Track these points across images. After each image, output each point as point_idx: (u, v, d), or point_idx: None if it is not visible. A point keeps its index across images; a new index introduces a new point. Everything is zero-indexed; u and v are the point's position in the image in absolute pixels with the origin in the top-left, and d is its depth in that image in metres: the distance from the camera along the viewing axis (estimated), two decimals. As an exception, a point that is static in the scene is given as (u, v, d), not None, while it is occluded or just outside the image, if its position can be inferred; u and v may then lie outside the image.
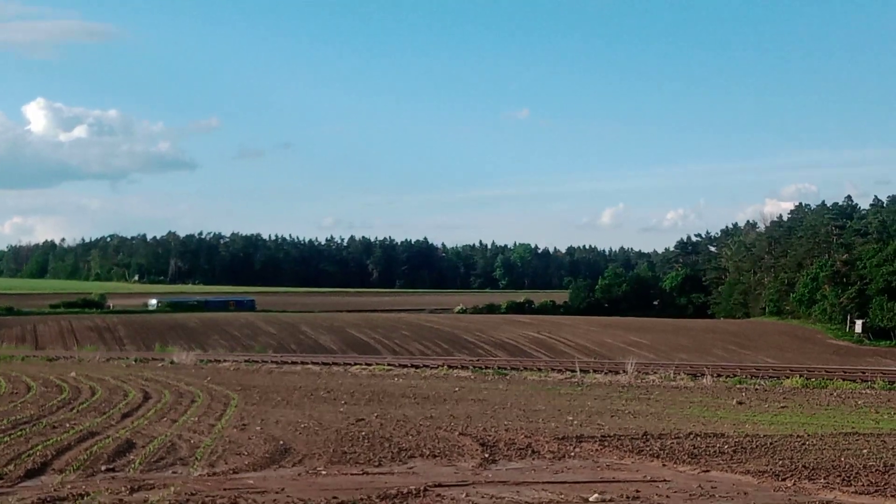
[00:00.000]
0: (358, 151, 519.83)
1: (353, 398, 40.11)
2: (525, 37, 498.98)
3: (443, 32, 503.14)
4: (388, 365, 71.10)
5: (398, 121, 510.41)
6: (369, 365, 71.13)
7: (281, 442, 24.75)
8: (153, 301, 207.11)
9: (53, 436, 25.45)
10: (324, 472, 20.17)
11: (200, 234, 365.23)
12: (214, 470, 20.43)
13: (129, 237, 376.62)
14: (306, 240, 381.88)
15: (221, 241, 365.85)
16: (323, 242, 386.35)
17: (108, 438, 25.11)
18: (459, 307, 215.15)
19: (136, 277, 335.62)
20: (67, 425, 28.32)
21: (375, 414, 32.63)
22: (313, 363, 76.62)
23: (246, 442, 24.93)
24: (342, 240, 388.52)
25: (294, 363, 77.87)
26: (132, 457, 22.14)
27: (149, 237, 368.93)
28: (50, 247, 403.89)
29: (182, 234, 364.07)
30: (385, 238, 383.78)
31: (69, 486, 17.55)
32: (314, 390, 44.83)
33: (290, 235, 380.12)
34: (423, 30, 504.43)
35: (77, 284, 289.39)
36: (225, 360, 78.89)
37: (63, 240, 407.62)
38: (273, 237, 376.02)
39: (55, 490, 17.08)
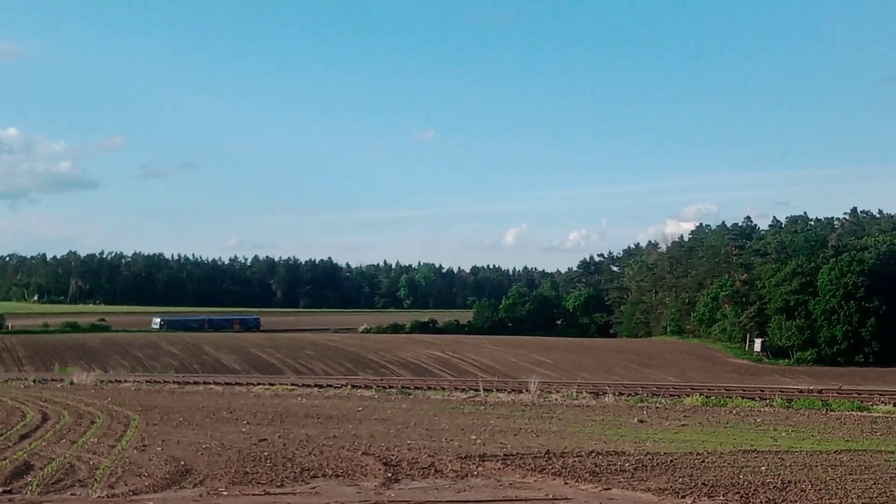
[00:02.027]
0: (263, 171, 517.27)
1: (255, 418, 39.83)
2: (431, 57, 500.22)
3: (350, 52, 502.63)
4: (292, 385, 70.77)
5: (304, 140, 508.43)
6: (272, 385, 70.75)
7: (182, 463, 24.51)
8: (157, 320, 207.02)
9: (-52, 458, 25.00)
10: (225, 493, 20.02)
11: (102, 253, 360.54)
12: (114, 491, 20.18)
13: (28, 256, 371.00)
14: (209, 259, 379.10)
15: (123, 261, 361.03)
16: (226, 262, 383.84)
17: (4, 460, 24.68)
18: (364, 327, 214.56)
19: (36, 297, 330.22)
20: (-37, 448, 27.82)
21: (278, 434, 32.44)
22: (216, 383, 76.04)
23: (146, 463, 24.65)
24: (246, 259, 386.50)
25: (196, 383, 77.15)
26: (30, 479, 21.80)
27: (49, 257, 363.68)
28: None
29: (83, 253, 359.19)
30: (289, 258, 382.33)
31: (-36, 510, 17.26)
32: (216, 410, 44.46)
33: (194, 255, 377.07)
34: (330, 49, 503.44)
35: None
36: (126, 381, 77.93)
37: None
38: (176, 257, 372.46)
39: (-51, 513, 16.79)
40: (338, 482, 21.76)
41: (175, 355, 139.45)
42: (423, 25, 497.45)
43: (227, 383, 76.08)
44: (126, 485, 21.17)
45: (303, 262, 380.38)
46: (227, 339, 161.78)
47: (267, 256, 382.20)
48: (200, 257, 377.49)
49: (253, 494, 19.90)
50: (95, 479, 21.74)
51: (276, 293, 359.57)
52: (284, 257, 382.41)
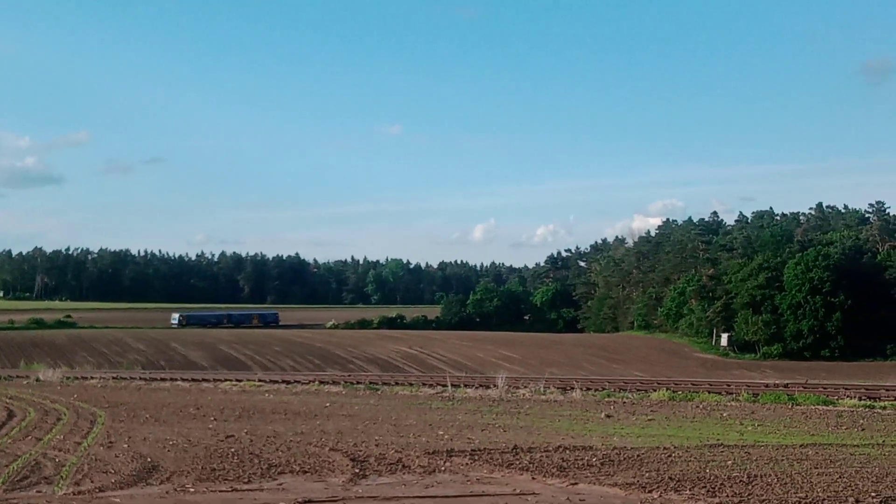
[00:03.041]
0: (229, 167, 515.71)
1: (222, 415, 39.69)
2: (398, 52, 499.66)
3: (316, 47, 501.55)
4: (259, 381, 70.51)
5: (270, 136, 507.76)
6: (240, 381, 70.47)
7: (149, 459, 24.41)
8: (175, 316, 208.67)
9: (-88, 456, 24.82)
10: (192, 490, 19.96)
11: (68, 249, 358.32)
12: (80, 489, 20.08)
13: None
14: (176, 255, 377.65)
15: (89, 257, 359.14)
16: (193, 258, 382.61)
17: (-31, 458, 24.56)
18: (331, 322, 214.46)
19: (1, 294, 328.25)
20: (-73, 445, 27.65)
21: (245, 430, 32.34)
22: (183, 379, 75.65)
23: (113, 460, 24.52)
24: (213, 255, 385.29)
25: (163, 380, 76.74)
26: (-6, 476, 21.69)
27: (14, 253, 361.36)
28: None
29: (49, 249, 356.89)
30: (256, 253, 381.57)
31: (-72, 508, 17.15)
32: (183, 407, 44.28)
33: (160, 251, 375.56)
34: (296, 42, 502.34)
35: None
36: (92, 377, 77.36)
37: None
38: (142, 253, 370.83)
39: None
40: (305, 478, 21.72)
41: (142, 352, 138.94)
42: (389, 20, 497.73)
43: (194, 380, 75.71)
44: (92, 482, 21.07)
45: (270, 258, 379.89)
46: (194, 335, 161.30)
47: (234, 252, 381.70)
48: (167, 253, 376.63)
49: (220, 491, 19.84)
50: (61, 477, 21.62)
51: (243, 289, 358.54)
52: (251, 253, 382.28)
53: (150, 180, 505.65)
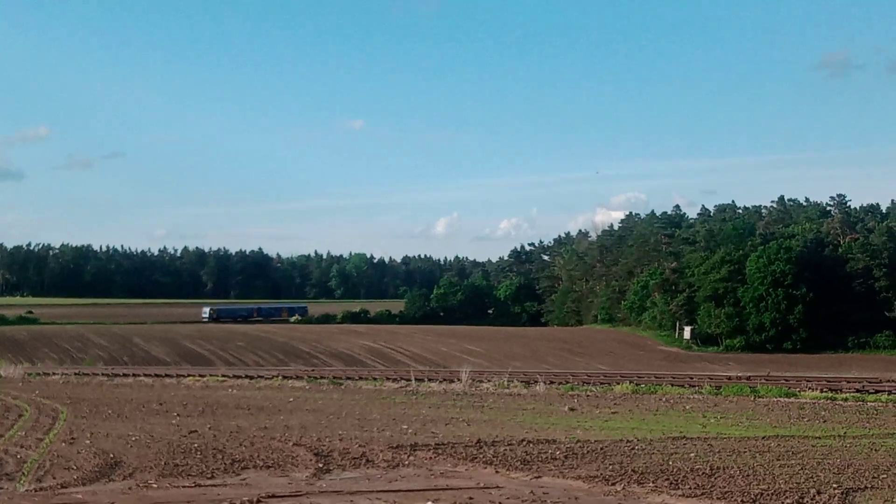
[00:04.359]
0: (190, 162, 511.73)
1: (185, 410, 39.63)
2: (360, 46, 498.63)
3: (279, 41, 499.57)
4: (223, 376, 70.43)
5: (232, 130, 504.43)
6: (203, 376, 70.41)
7: (111, 455, 24.33)
8: (206, 310, 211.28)
9: None
10: (155, 486, 19.89)
11: (29, 245, 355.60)
12: (42, 485, 20.01)
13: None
14: (138, 251, 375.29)
15: (51, 253, 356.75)
16: (156, 253, 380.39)
17: (-70, 455, 24.40)
18: (295, 317, 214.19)
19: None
20: None
21: (208, 426, 32.28)
22: (146, 375, 75.49)
23: (75, 456, 24.44)
24: (175, 251, 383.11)
25: (126, 375, 76.56)
26: (-45, 473, 21.56)
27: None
28: None
29: (9, 245, 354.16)
30: (219, 248, 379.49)
31: None
32: (146, 403, 44.18)
33: (122, 246, 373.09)
34: (257, 37, 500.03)
35: None
36: (54, 374, 77.14)
37: None
38: (104, 248, 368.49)
39: None
40: (269, 473, 21.71)
41: (104, 347, 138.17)
42: (350, 15, 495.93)
43: (156, 375, 75.58)
44: (54, 478, 20.99)
45: (233, 253, 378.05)
46: (156, 331, 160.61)
47: (197, 247, 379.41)
48: (129, 248, 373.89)
49: (183, 486, 19.79)
50: (23, 473, 21.54)
51: (206, 284, 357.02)
52: (214, 248, 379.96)
53: (111, 175, 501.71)
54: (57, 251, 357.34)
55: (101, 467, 22.41)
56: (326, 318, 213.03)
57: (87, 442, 27.46)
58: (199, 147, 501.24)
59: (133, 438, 28.27)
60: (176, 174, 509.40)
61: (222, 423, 33.20)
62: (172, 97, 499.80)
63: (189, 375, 72.21)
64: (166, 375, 74.98)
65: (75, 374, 77.32)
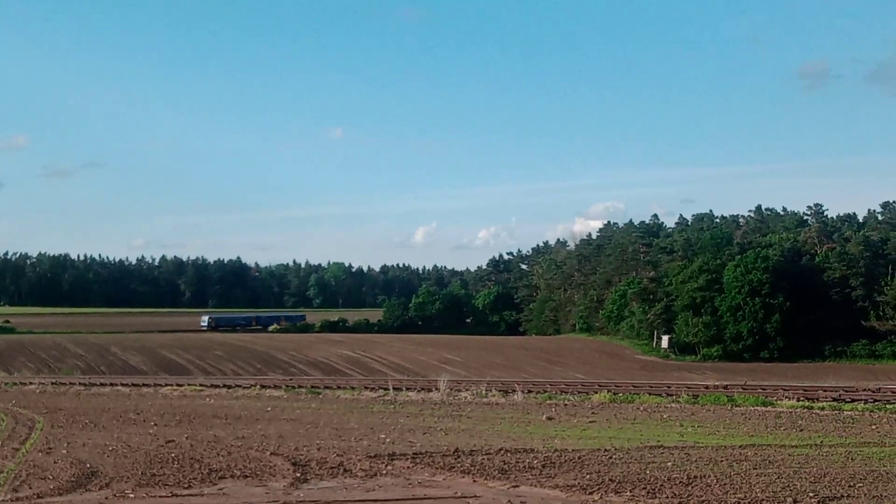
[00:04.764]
0: (169, 170, 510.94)
1: (163, 419, 39.53)
2: (340, 54, 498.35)
3: (258, 49, 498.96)
4: (200, 385, 70.26)
5: (211, 139, 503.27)
6: (180, 385, 70.22)
7: (88, 465, 24.25)
8: (205, 318, 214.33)
9: None
10: (132, 496, 19.85)
11: (6, 254, 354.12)
12: (18, 495, 19.94)
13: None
14: (116, 260, 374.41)
15: (28, 262, 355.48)
16: (134, 262, 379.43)
17: None
18: (273, 326, 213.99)
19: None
20: None
21: (186, 435, 32.21)
22: (123, 385, 75.23)
23: (51, 466, 24.36)
24: (153, 259, 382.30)
25: (103, 385, 76.32)
26: (-69, 484, 21.46)
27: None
28: None
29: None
30: (198, 258, 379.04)
31: None
32: (123, 412, 44.06)
33: (100, 255, 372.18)
34: (237, 45, 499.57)
35: None
36: (31, 383, 76.85)
37: None
38: (82, 257, 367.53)
39: None
40: (246, 483, 21.68)
41: (81, 356, 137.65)
42: (331, 23, 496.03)
43: (134, 384, 75.31)
44: (31, 488, 20.92)
45: (211, 262, 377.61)
46: (134, 340, 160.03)
47: (175, 256, 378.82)
48: (107, 258, 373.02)
49: (160, 496, 19.76)
50: (-1, 483, 21.45)
51: (184, 293, 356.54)
52: (193, 257, 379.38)
53: (90, 184, 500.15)
54: (34, 260, 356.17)
55: (78, 477, 22.34)
56: (305, 328, 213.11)
57: (64, 452, 27.37)
58: (177, 156, 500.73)
59: (110, 448, 28.18)
60: (154, 183, 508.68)
61: (199, 433, 33.12)
62: (151, 106, 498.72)
63: (166, 385, 71.99)
64: (143, 385, 74.75)
65: (52, 383, 77.03)
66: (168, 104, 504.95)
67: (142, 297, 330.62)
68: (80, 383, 78.12)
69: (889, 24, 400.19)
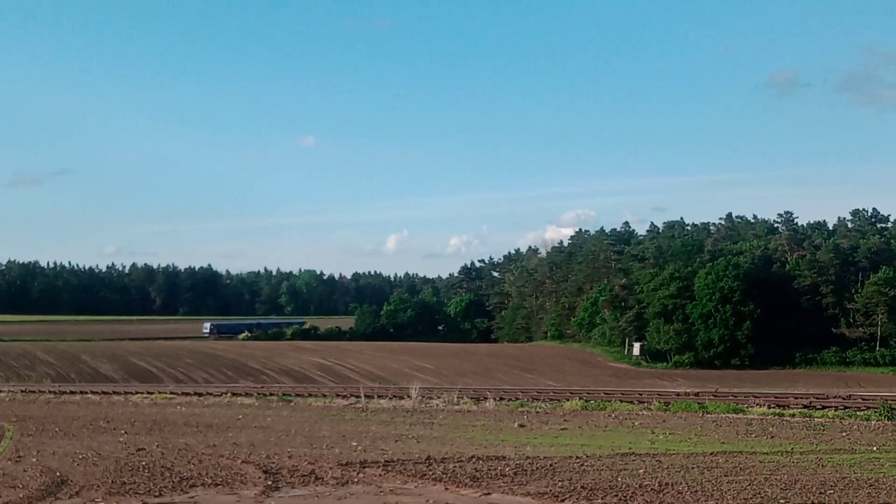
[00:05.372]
0: (140, 178, 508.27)
1: (133, 428, 39.36)
2: (311, 63, 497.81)
3: (229, 57, 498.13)
4: (171, 393, 70.13)
5: (182, 147, 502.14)
6: (151, 394, 70.00)
7: (58, 473, 24.11)
8: (207, 325, 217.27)
9: None
10: (102, 504, 19.76)
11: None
12: (-13, 504, 19.81)
13: None
14: (86, 267, 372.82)
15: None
16: (104, 270, 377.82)
17: None
18: (244, 334, 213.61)
19: None
20: None
21: (156, 443, 32.08)
22: (93, 392, 74.95)
23: (21, 474, 24.20)
24: (124, 267, 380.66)
25: (73, 393, 75.98)
26: None
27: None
28: None
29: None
30: (168, 265, 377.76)
31: None
32: (93, 420, 43.85)
33: (70, 263, 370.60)
34: (209, 52, 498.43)
35: None
36: (0, 391, 76.47)
37: None
38: (52, 265, 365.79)
39: None
40: (217, 491, 21.58)
41: (51, 364, 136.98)
42: (302, 31, 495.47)
43: (104, 392, 75.05)
44: (0, 497, 20.77)
45: (182, 270, 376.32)
46: (104, 348, 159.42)
47: (145, 264, 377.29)
48: (77, 265, 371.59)
49: (130, 505, 19.67)
50: (-32, 492, 21.31)
51: (155, 301, 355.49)
52: (163, 265, 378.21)
53: (60, 192, 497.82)
54: (4, 267, 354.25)
55: (48, 486, 22.20)
56: (276, 335, 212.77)
57: (34, 460, 27.21)
58: (148, 164, 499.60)
59: (80, 456, 28.02)
60: (125, 191, 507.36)
61: (170, 441, 33.00)
62: (122, 114, 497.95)
63: (137, 393, 71.80)
64: (114, 393, 74.50)
65: (22, 391, 76.67)
66: (139, 112, 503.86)
67: (112, 304, 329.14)
68: (50, 391, 77.76)
69: (858, 34, 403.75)
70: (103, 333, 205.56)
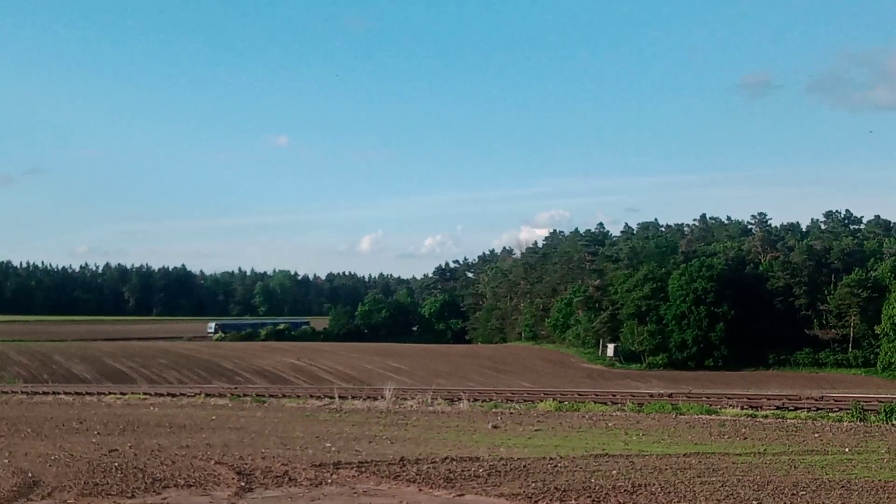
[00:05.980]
0: (112, 178, 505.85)
1: (106, 428, 39.19)
2: (284, 62, 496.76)
3: (203, 56, 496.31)
4: (144, 394, 69.94)
5: (155, 146, 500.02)
6: (124, 394, 69.82)
7: (30, 475, 23.98)
8: (212, 325, 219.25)
9: None
10: (74, 505, 19.68)
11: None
12: (-43, 506, 19.71)
13: None
14: (59, 267, 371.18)
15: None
16: (77, 270, 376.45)
17: None
18: (218, 335, 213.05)
19: None
20: None
21: (129, 444, 31.95)
22: (66, 393, 74.72)
23: (-8, 476, 24.09)
24: (97, 267, 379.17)
25: (45, 393, 75.69)
26: None
27: None
28: None
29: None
30: (142, 265, 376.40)
31: None
32: (66, 421, 43.65)
33: (43, 263, 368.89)
34: (182, 50, 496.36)
35: None
36: (-28, 392, 76.21)
37: None
38: (24, 264, 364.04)
39: None
40: (190, 492, 21.50)
41: (24, 365, 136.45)
42: (275, 30, 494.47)
43: (77, 393, 74.83)
44: (-29, 498, 20.68)
45: (156, 270, 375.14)
46: (77, 348, 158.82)
47: (119, 264, 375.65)
48: (50, 265, 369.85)
49: (103, 506, 19.59)
50: (-62, 494, 21.19)
51: (128, 301, 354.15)
52: (137, 265, 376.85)
53: (32, 191, 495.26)
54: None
55: (20, 487, 22.09)
56: (250, 336, 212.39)
57: (6, 461, 27.06)
58: (121, 163, 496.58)
59: (52, 457, 27.88)
60: (98, 190, 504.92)
61: (143, 442, 32.88)
62: (94, 113, 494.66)
63: (110, 393, 71.61)
64: (87, 393, 74.27)
65: (-7, 392, 76.42)
66: (111, 111, 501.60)
67: (85, 304, 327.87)
68: (22, 392, 77.52)
69: (830, 35, 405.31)
70: (76, 334, 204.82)
